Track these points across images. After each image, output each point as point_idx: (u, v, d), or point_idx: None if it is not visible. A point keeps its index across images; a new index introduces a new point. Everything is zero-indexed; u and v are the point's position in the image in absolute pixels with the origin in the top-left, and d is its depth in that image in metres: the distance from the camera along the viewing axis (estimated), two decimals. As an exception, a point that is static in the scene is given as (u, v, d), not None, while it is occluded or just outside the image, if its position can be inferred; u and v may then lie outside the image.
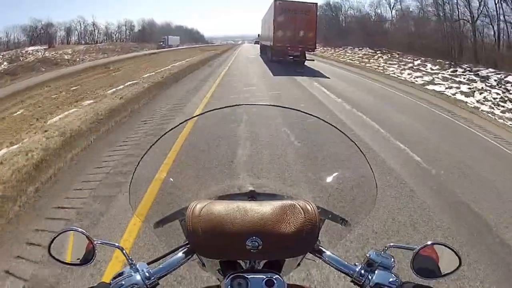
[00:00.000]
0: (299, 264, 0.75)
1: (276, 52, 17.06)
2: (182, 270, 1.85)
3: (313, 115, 0.90)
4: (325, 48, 32.43)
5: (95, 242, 0.67)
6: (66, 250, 0.67)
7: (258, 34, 26.96)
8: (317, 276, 2.06)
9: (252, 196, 0.85)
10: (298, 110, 0.92)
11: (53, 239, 0.67)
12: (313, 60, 18.28)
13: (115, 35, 67.32)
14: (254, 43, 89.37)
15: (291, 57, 16.65)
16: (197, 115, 1.10)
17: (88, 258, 0.68)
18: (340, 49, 30.20)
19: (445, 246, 0.67)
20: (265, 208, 0.68)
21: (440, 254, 0.66)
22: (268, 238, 0.64)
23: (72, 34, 60.07)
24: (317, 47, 18.63)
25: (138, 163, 0.83)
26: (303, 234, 0.65)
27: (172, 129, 0.91)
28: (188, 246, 0.70)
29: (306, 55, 17.25)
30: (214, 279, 0.76)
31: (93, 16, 77.22)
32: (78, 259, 0.68)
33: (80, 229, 0.67)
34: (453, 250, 0.66)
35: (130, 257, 0.67)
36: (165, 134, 0.88)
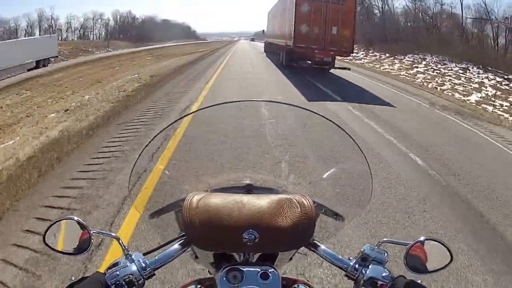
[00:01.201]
0: (291, 258, 0.75)
1: (297, 55, 11.95)
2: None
3: (310, 110, 0.88)
4: (372, 54, 19.29)
5: (91, 232, 0.67)
6: (62, 239, 0.67)
7: (263, 30, 22.30)
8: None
9: (249, 189, 0.83)
10: (292, 105, 0.91)
11: (49, 228, 0.66)
12: (349, 69, 12.67)
13: (80, 31, 56.57)
14: (250, 40, 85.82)
15: (316, 64, 11.64)
16: (196, 110, 1.16)
17: (84, 247, 0.67)
18: (407, 59, 16.97)
19: (437, 241, 0.67)
20: (262, 201, 0.68)
21: (432, 250, 0.67)
22: (265, 231, 0.64)
23: (32, 30, 50.61)
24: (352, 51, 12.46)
25: (139, 155, 0.83)
26: (299, 228, 0.66)
27: (174, 122, 0.95)
28: (185, 238, 0.68)
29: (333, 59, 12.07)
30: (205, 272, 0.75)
31: (51, 7, 65.59)
32: (74, 248, 0.67)
33: (76, 218, 0.67)
34: (445, 246, 0.67)
35: (126, 247, 0.66)
36: (162, 130, 0.93)
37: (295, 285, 0.71)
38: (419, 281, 0.62)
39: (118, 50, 33.82)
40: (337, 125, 0.84)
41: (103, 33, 59.21)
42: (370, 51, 19.89)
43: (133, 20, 73.14)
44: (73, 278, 0.60)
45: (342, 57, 12.61)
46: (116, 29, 64.04)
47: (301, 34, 11.08)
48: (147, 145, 0.86)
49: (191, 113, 0.97)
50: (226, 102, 0.89)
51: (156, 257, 0.66)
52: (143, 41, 50.29)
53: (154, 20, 77.06)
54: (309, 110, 0.88)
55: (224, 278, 0.61)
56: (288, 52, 12.41)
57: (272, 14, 17.75)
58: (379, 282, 0.64)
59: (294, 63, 12.30)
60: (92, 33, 58.08)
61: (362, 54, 19.41)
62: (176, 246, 0.67)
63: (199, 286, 0.73)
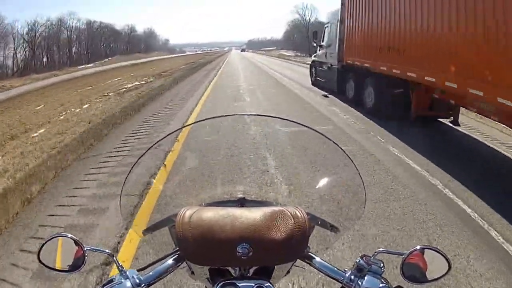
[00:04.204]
0: (288, 271, 0.74)
1: None
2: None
3: (304, 125, 0.92)
4: None
5: (85, 249, 0.67)
6: (57, 256, 0.67)
7: (319, 44, 10.80)
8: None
9: (242, 203, 0.84)
10: (291, 121, 0.94)
11: (43, 245, 0.66)
12: None
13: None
14: (241, 51, 76.63)
15: None
16: (192, 123, 1.22)
17: (78, 264, 0.67)
18: None
19: (434, 250, 0.66)
20: (255, 214, 0.68)
21: (429, 259, 0.66)
22: (258, 244, 0.64)
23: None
24: None
25: (131, 168, 0.85)
26: (293, 240, 0.65)
27: (165, 137, 0.96)
28: (178, 253, 0.69)
29: None
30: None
31: None
32: (68, 265, 0.67)
33: (70, 235, 0.67)
34: (442, 255, 0.66)
35: (121, 264, 0.67)
36: (154, 144, 0.93)
37: None
38: None
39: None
40: (329, 138, 0.87)
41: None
42: None
43: (58, 27, 42.38)
44: None
45: None
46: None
47: None
48: (133, 165, 0.87)
49: (191, 124, 1.14)
50: (222, 116, 0.95)
51: (151, 273, 0.67)
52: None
53: (99, 28, 47.93)
54: (304, 125, 0.90)
55: None
56: None
57: None
58: None
59: None
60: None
61: None
62: (170, 261, 0.68)
63: None
